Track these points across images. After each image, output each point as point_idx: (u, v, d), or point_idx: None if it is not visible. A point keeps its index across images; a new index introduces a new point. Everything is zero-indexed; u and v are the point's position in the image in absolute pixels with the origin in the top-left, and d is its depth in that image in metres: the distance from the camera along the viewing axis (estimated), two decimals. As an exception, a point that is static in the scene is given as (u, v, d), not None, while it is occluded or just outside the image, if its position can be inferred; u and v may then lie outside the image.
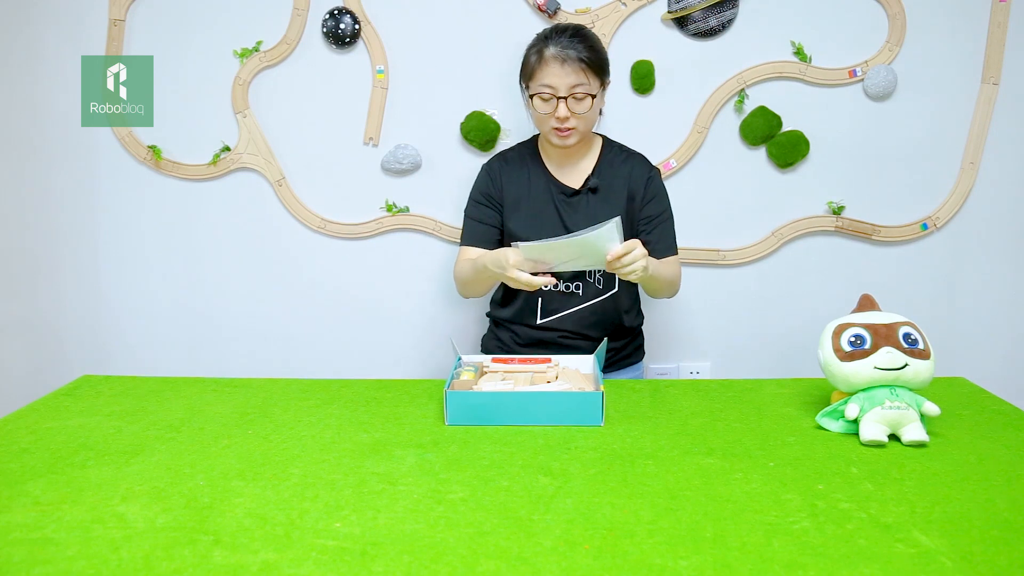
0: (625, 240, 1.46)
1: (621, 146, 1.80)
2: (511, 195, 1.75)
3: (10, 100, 2.06)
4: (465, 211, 1.80)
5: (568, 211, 1.72)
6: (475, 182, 1.81)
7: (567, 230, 1.69)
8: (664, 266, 1.69)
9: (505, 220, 1.76)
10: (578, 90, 1.60)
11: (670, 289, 1.75)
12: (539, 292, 1.72)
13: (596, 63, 1.63)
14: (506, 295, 1.81)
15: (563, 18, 1.98)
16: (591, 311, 1.74)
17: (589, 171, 1.73)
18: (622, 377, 1.80)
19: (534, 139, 1.82)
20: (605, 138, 1.80)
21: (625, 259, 1.45)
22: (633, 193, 1.73)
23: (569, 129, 1.64)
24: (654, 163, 2.06)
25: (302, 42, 2.02)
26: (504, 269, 1.52)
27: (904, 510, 1.02)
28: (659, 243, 1.72)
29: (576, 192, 1.73)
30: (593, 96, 1.63)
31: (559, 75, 1.60)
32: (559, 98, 1.61)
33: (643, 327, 1.90)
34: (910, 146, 2.06)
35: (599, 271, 1.73)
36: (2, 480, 1.12)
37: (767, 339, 2.16)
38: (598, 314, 1.74)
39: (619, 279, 1.74)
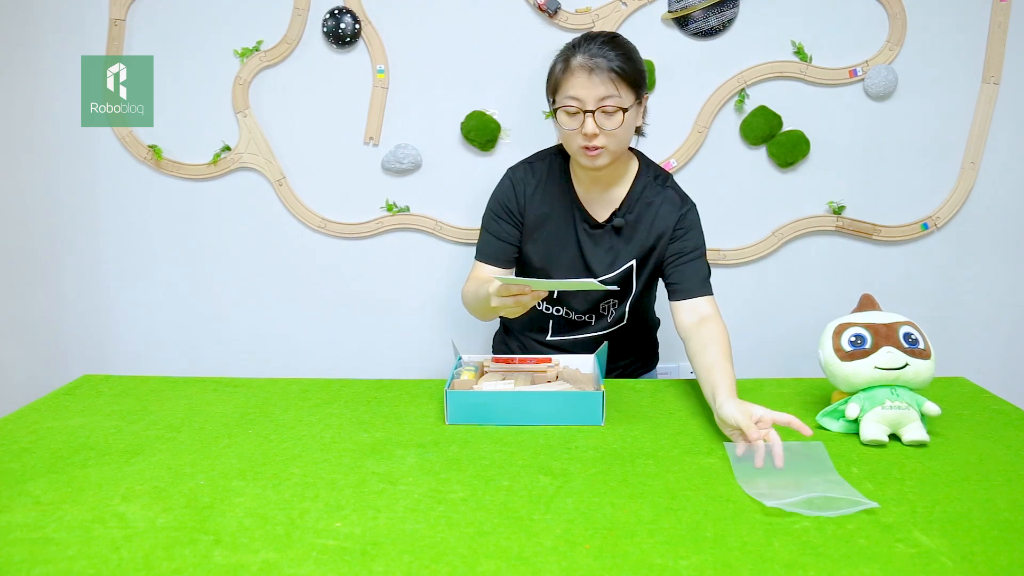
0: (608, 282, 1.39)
1: (657, 169, 1.61)
2: (533, 214, 1.58)
3: (10, 100, 2.06)
4: (483, 222, 1.64)
5: (589, 244, 1.58)
6: (496, 190, 1.62)
7: (585, 265, 1.59)
8: (728, 362, 1.38)
9: (523, 240, 1.61)
10: (608, 103, 1.41)
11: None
12: (549, 317, 1.67)
13: (630, 74, 1.42)
14: None
15: (564, 18, 1.98)
16: (603, 335, 1.67)
17: (619, 201, 1.57)
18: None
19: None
20: (641, 158, 1.62)
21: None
22: (661, 234, 1.56)
23: (598, 148, 1.44)
24: (656, 161, 2.06)
25: (302, 42, 2.02)
26: (488, 296, 1.37)
27: (904, 510, 1.01)
28: (684, 282, 1.52)
29: (600, 225, 1.57)
30: (625, 110, 1.42)
31: (586, 86, 1.41)
32: (586, 112, 1.42)
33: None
34: (910, 146, 2.06)
35: (612, 305, 1.64)
36: (2, 480, 1.12)
37: (767, 339, 2.16)
38: (609, 336, 1.66)
39: (629, 316, 1.65)
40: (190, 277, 2.15)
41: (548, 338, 1.71)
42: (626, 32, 2.01)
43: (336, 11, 2.00)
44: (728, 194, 2.09)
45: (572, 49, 1.45)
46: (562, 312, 1.67)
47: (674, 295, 1.53)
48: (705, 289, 1.52)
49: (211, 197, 2.11)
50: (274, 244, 2.13)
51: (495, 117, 2.03)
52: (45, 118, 2.07)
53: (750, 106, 2.03)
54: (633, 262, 1.58)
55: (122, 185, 2.10)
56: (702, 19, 1.99)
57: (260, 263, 2.14)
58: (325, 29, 2.01)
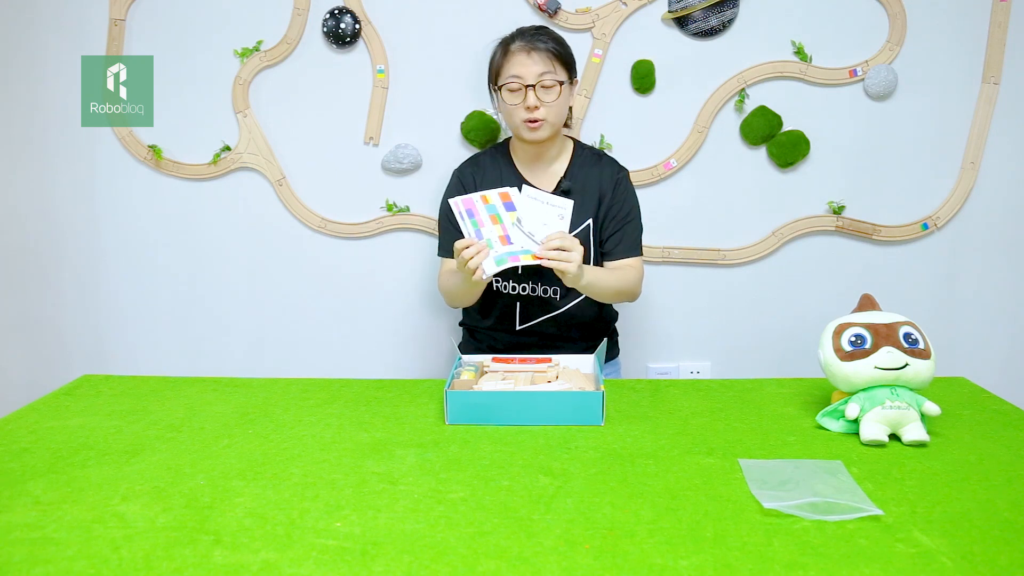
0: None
1: (592, 148, 1.80)
2: None
3: (11, 100, 2.06)
4: (440, 221, 1.79)
5: None
6: (448, 189, 1.79)
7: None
8: (609, 274, 1.68)
9: None
10: (546, 78, 1.61)
11: (621, 297, 1.72)
12: (517, 299, 1.74)
13: (563, 54, 1.65)
14: (484, 305, 1.80)
15: (564, 18, 1.99)
16: (569, 313, 1.74)
17: (561, 173, 1.73)
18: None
19: (506, 143, 1.82)
20: (576, 141, 1.80)
21: (564, 243, 1.46)
22: (603, 194, 1.72)
23: (539, 120, 1.62)
24: (655, 163, 2.07)
25: (302, 42, 2.02)
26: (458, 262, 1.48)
27: (904, 510, 1.01)
28: (620, 243, 1.71)
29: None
30: (562, 84, 1.63)
31: (526, 64, 1.62)
32: (527, 86, 1.61)
33: (619, 324, 1.92)
34: (910, 146, 2.06)
35: None
36: (2, 480, 1.12)
37: (767, 339, 2.16)
38: (576, 315, 1.75)
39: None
40: (190, 277, 2.15)
41: (518, 327, 1.75)
42: (626, 32, 2.01)
43: (336, 11, 2.00)
44: (728, 194, 2.09)
45: (509, 39, 1.67)
46: (528, 290, 1.72)
47: (605, 256, 1.72)
48: (635, 251, 1.73)
49: (211, 197, 2.11)
50: (274, 244, 2.13)
51: (495, 117, 2.04)
52: (45, 118, 2.07)
53: (750, 106, 2.03)
54: (590, 220, 1.70)
55: (122, 185, 2.10)
56: (702, 19, 1.99)
57: (260, 263, 2.14)
58: (325, 29, 2.01)
